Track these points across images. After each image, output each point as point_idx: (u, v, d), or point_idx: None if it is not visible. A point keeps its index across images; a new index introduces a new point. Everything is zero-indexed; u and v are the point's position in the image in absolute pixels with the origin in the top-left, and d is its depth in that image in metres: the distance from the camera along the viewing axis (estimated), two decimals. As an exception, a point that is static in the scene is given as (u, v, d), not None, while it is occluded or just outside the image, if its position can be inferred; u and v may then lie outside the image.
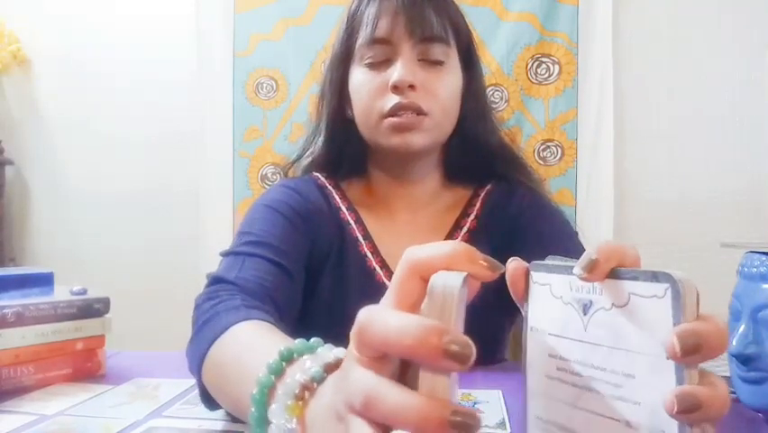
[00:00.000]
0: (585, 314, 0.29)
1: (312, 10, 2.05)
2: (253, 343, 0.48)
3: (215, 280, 0.65)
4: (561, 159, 1.97)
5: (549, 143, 1.97)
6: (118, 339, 0.78)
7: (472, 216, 0.82)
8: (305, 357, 0.37)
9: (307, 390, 0.34)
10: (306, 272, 0.76)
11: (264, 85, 2.09)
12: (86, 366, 0.71)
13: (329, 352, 0.37)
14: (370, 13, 0.74)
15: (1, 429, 0.52)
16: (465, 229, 0.80)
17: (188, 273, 2.08)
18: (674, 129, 1.95)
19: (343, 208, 0.81)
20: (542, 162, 1.96)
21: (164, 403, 0.60)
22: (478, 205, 0.83)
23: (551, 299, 0.31)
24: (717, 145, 1.92)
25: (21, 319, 0.65)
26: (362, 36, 0.74)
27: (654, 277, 0.27)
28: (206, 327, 0.54)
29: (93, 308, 0.72)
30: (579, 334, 0.30)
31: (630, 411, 0.27)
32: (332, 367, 0.34)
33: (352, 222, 0.81)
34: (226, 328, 0.52)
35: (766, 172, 1.88)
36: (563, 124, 1.96)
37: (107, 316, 0.73)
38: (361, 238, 0.79)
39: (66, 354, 0.69)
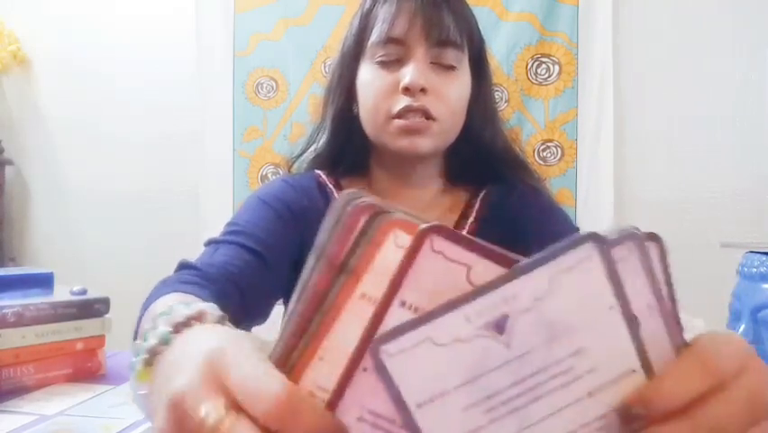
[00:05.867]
0: (502, 332, 0.26)
1: (312, 10, 2.05)
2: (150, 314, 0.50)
3: (181, 266, 0.67)
4: (561, 159, 1.97)
5: (549, 143, 1.97)
6: (118, 339, 0.78)
7: (471, 219, 0.81)
8: (161, 321, 0.36)
9: (156, 354, 0.34)
10: (296, 268, 0.76)
11: (264, 85, 2.09)
12: (86, 366, 0.71)
13: (184, 309, 0.36)
14: (386, 11, 0.73)
15: (1, 429, 0.52)
16: (464, 232, 0.80)
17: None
18: (674, 129, 1.95)
19: (344, 208, 0.81)
20: (542, 162, 1.96)
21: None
22: (477, 207, 0.83)
23: (435, 353, 0.26)
24: (717, 145, 1.92)
25: (21, 319, 0.65)
26: (376, 34, 0.74)
27: (572, 245, 0.25)
28: (143, 306, 0.57)
29: (93, 309, 0.72)
30: (501, 357, 0.26)
31: (589, 382, 0.26)
32: (181, 326, 0.34)
33: None
34: (149, 305, 0.54)
35: (766, 172, 1.88)
36: (563, 124, 1.96)
37: (107, 316, 0.73)
38: None
39: (66, 354, 0.69)
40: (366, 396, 0.26)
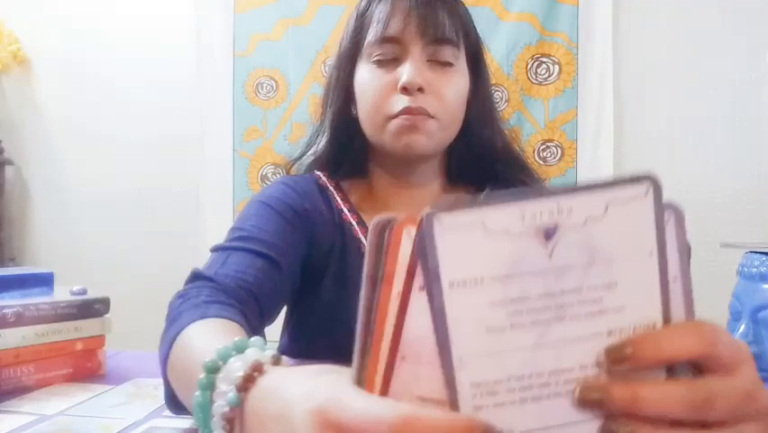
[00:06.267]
0: (549, 240, 0.27)
1: (312, 10, 2.05)
2: (194, 349, 0.48)
3: (194, 277, 0.65)
4: (561, 159, 1.97)
5: (549, 143, 1.97)
6: (118, 339, 0.78)
7: None
8: (220, 380, 0.37)
9: (233, 419, 0.35)
10: (305, 272, 0.76)
11: (264, 85, 2.09)
12: (86, 366, 0.71)
13: (239, 364, 0.36)
14: (381, 11, 0.74)
15: (1, 429, 0.52)
16: None
17: (188, 273, 2.09)
18: (674, 129, 1.95)
19: (345, 210, 0.81)
20: (542, 162, 1.96)
21: (164, 403, 0.60)
22: None
23: (483, 238, 0.26)
24: (717, 145, 1.92)
25: (21, 319, 0.65)
26: (372, 33, 0.74)
27: (634, 179, 0.27)
28: (170, 329, 0.54)
29: (93, 309, 0.72)
30: (541, 264, 0.26)
31: (612, 319, 0.27)
32: (246, 383, 0.35)
33: (354, 223, 0.80)
34: (181, 330, 0.52)
35: (766, 172, 1.88)
36: (563, 124, 1.96)
37: (107, 316, 0.73)
38: (363, 239, 0.79)
39: (66, 354, 0.69)
40: (411, 383, 0.27)
